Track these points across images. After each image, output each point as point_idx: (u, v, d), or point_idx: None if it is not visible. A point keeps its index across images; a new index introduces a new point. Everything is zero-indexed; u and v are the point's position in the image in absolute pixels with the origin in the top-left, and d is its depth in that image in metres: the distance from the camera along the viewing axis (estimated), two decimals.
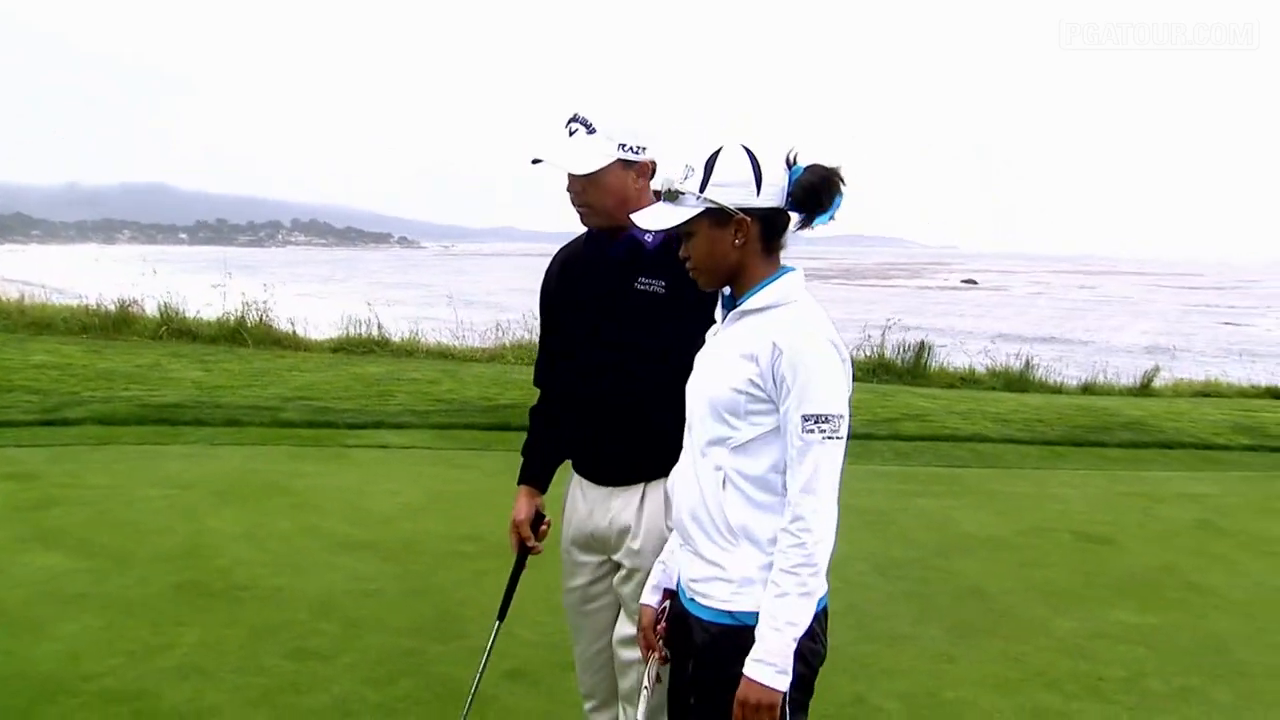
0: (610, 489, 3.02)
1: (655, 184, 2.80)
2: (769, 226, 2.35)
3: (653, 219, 2.39)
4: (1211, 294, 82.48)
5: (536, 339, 11.66)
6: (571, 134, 2.85)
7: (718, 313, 2.48)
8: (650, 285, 2.88)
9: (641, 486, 2.95)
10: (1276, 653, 5.06)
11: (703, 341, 2.50)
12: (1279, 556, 6.72)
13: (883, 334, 15.39)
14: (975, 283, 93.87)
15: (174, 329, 14.38)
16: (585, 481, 3.11)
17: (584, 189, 2.87)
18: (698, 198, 2.31)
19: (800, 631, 2.24)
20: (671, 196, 2.35)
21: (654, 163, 2.88)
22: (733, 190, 2.30)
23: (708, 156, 2.32)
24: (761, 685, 2.22)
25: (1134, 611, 5.52)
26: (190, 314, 14.96)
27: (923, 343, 15.62)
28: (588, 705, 3.26)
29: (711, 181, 2.30)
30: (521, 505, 3.24)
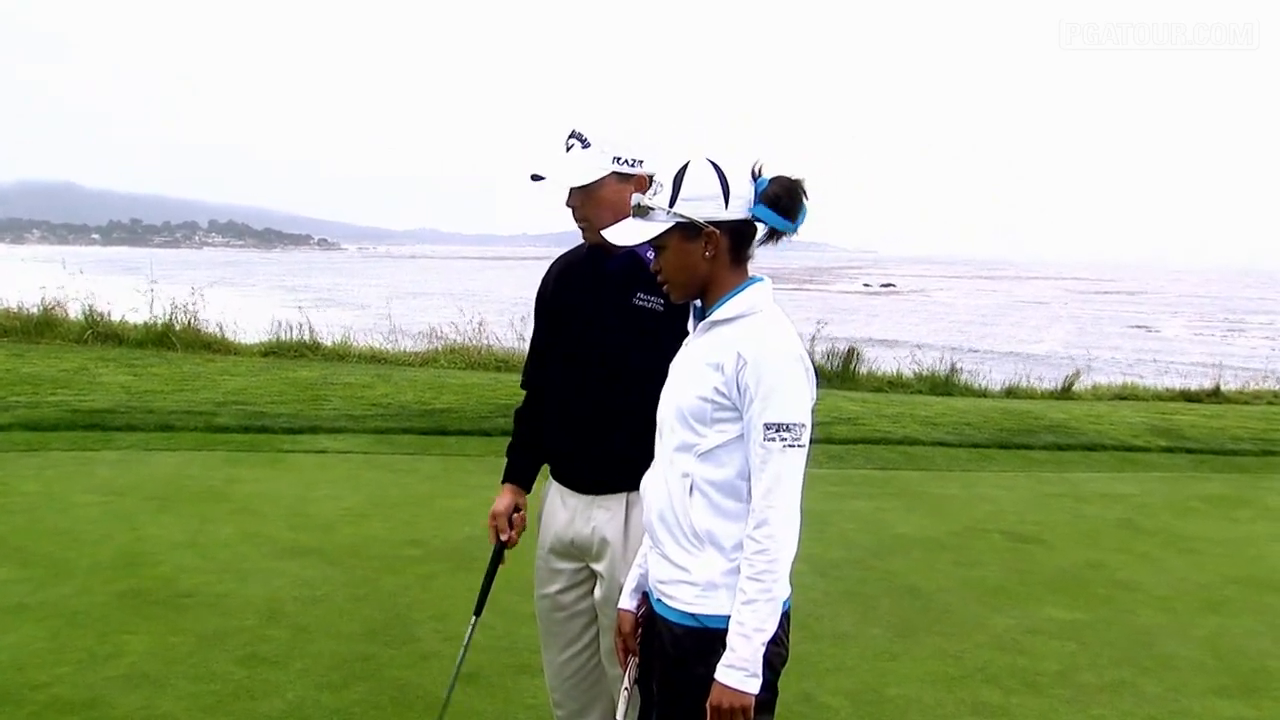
0: (592, 498, 3.03)
1: None
2: (737, 238, 2.41)
3: (623, 234, 2.44)
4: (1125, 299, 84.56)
5: (470, 343, 11.62)
6: (568, 149, 2.90)
7: (690, 323, 2.54)
8: (648, 301, 2.91)
9: (624, 497, 2.97)
10: (1199, 645, 5.27)
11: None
12: (1197, 554, 6.99)
13: (812, 339, 15.59)
14: (894, 286, 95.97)
15: (99, 332, 14.06)
16: (565, 489, 3.12)
17: (581, 203, 2.92)
18: (667, 212, 2.37)
19: (768, 636, 2.30)
20: (641, 212, 2.41)
21: (652, 176, 2.86)
22: (701, 204, 2.36)
23: (675, 172, 2.38)
24: (734, 690, 2.28)
25: (1065, 608, 5.72)
26: (115, 317, 14.63)
27: (851, 348, 15.86)
28: (559, 714, 3.25)
29: (680, 196, 2.36)
30: (503, 498, 3.27)
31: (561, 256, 3.26)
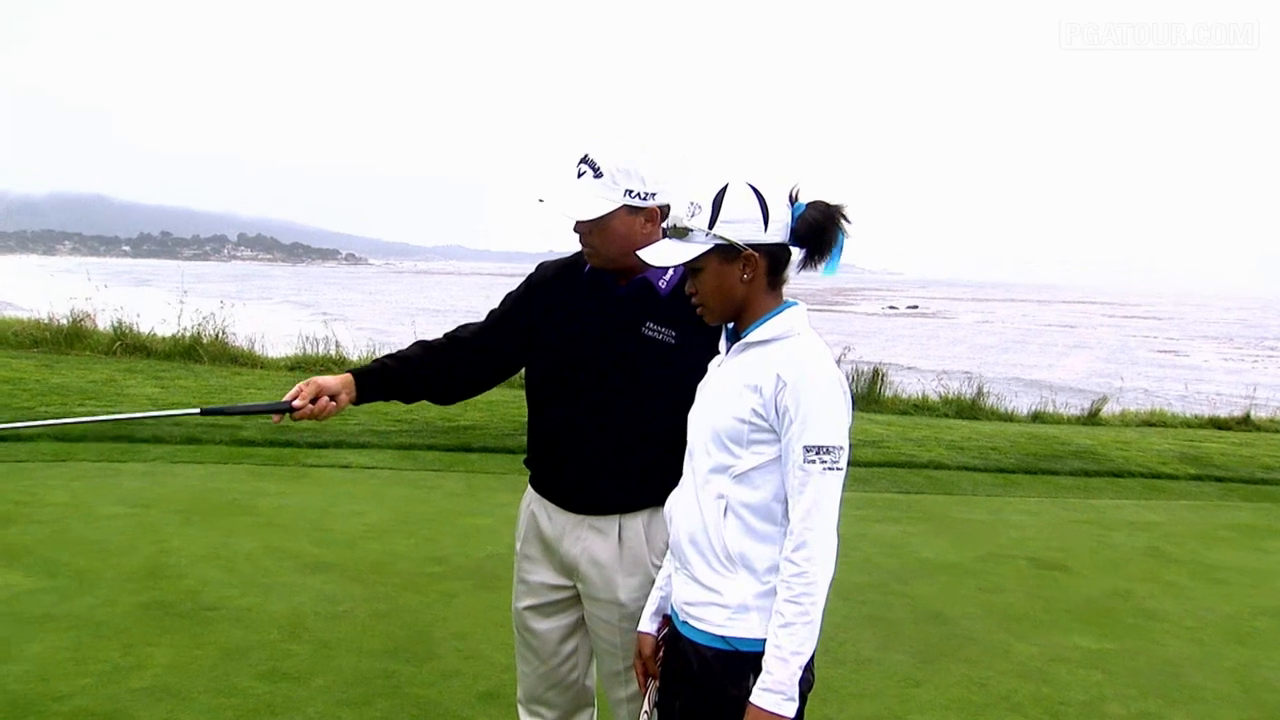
0: (581, 516, 2.98)
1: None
2: (774, 262, 2.41)
3: (661, 255, 2.43)
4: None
5: None
6: (579, 175, 2.81)
7: (721, 344, 2.53)
8: (659, 333, 2.86)
9: (617, 519, 2.94)
10: (1227, 678, 5.21)
11: (704, 373, 2.56)
12: (1226, 584, 6.91)
13: (838, 360, 15.51)
14: (916, 307, 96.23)
15: (128, 344, 14.16)
16: (551, 505, 3.05)
17: (589, 231, 2.85)
18: (706, 234, 2.36)
19: (805, 659, 2.28)
20: (680, 233, 2.39)
21: (666, 207, 2.84)
22: (741, 226, 2.34)
23: (715, 193, 2.36)
24: (771, 714, 2.26)
25: (1091, 637, 5.66)
26: (144, 329, 14.74)
27: (876, 369, 15.78)
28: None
29: (720, 218, 2.34)
30: (338, 379, 2.95)
31: (563, 259, 3.14)
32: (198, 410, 2.95)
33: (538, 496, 3.11)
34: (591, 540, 2.96)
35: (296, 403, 2.87)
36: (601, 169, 2.79)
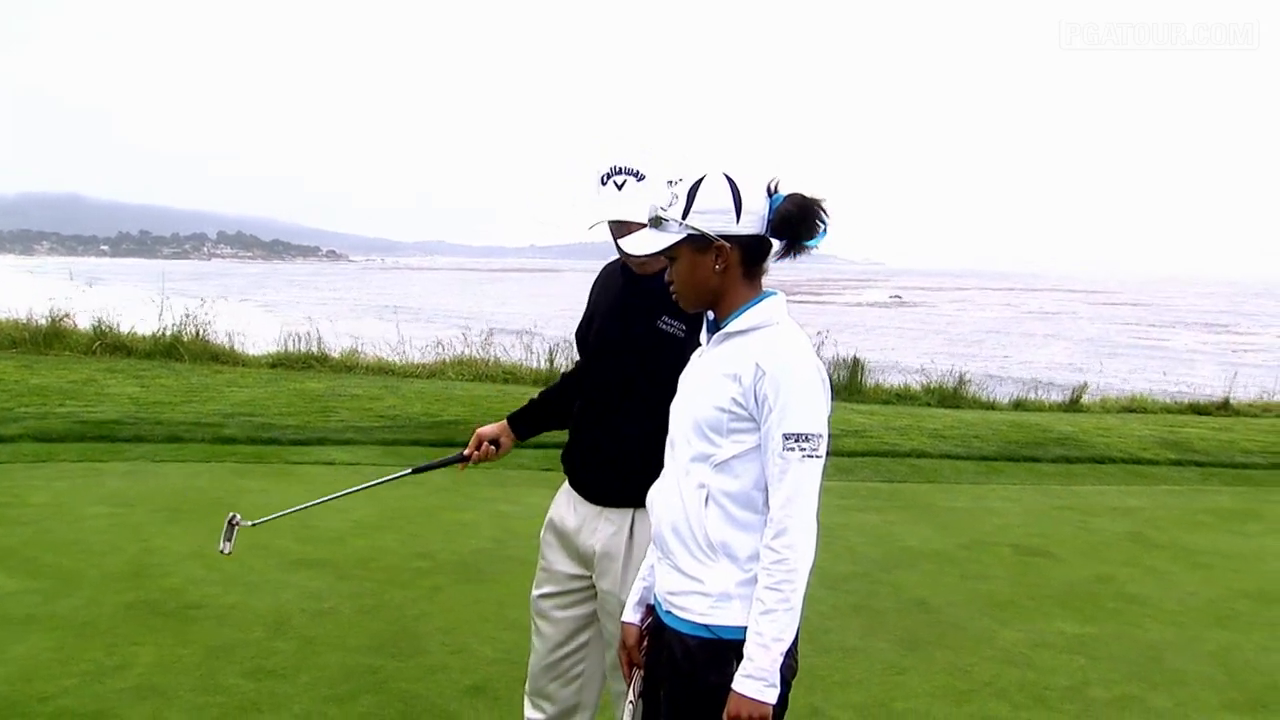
0: (599, 508, 3.05)
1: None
2: (749, 253, 2.42)
3: (638, 244, 2.45)
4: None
5: (477, 355, 11.65)
6: (620, 186, 2.86)
7: (703, 335, 2.54)
8: (671, 326, 2.90)
9: (630, 513, 2.98)
10: (1208, 661, 5.25)
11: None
12: (1207, 568, 6.97)
13: (818, 349, 15.52)
14: (900, 298, 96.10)
15: (107, 344, 14.08)
16: (576, 495, 3.14)
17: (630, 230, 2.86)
18: (679, 224, 2.38)
19: (786, 645, 2.30)
20: (656, 222, 2.42)
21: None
22: (712, 218, 2.36)
23: (691, 184, 2.39)
24: (753, 700, 2.27)
25: (1074, 622, 5.70)
26: (124, 329, 14.67)
27: (856, 359, 15.80)
28: (534, 715, 3.23)
29: (693, 209, 2.37)
30: (496, 426, 3.45)
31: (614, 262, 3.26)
32: (409, 470, 3.61)
33: (567, 486, 3.21)
34: (606, 531, 3.03)
35: (466, 452, 3.44)
36: (642, 172, 2.86)
